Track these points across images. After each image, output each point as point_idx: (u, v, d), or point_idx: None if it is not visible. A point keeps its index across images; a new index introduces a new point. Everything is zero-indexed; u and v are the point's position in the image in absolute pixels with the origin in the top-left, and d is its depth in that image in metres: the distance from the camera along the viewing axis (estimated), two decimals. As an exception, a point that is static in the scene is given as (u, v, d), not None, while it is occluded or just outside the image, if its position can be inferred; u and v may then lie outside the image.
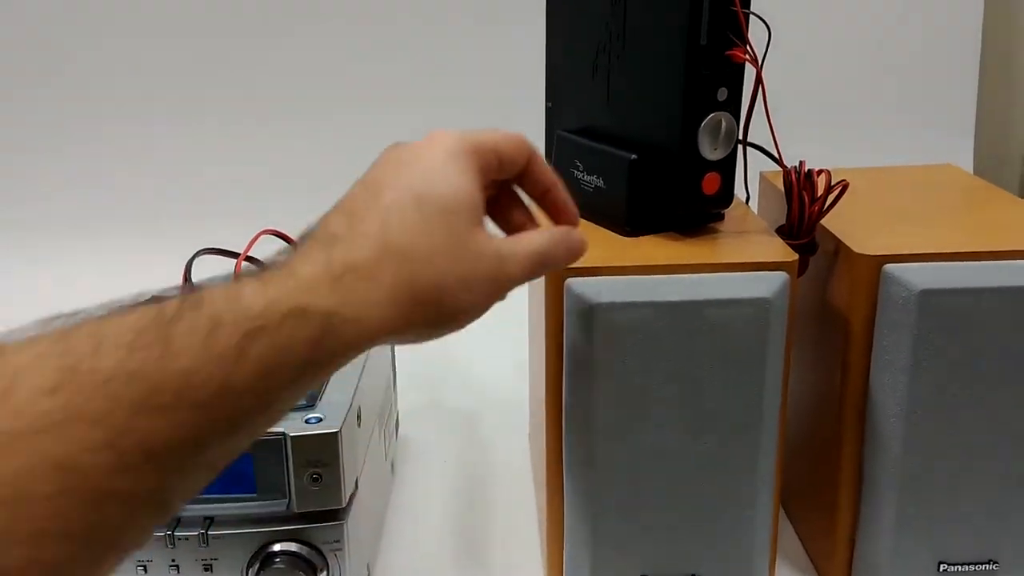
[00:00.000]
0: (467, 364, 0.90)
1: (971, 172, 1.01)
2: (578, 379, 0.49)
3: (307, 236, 0.35)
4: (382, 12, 1.15)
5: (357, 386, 0.54)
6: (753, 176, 0.58)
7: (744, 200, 0.62)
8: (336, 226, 0.35)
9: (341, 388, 0.53)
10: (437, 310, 0.35)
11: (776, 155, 0.54)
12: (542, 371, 0.52)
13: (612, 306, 0.47)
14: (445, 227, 0.35)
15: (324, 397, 0.52)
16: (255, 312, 0.30)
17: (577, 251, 0.41)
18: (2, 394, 0.25)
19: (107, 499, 0.27)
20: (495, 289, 0.37)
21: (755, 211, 0.68)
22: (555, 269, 0.42)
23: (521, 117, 0.83)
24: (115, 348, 0.27)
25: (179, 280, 0.66)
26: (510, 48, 1.00)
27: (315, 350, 0.31)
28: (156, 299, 0.30)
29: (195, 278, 0.67)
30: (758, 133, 0.54)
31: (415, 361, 0.89)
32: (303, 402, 0.51)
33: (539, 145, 0.67)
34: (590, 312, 0.48)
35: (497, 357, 0.87)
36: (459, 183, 0.37)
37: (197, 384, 0.28)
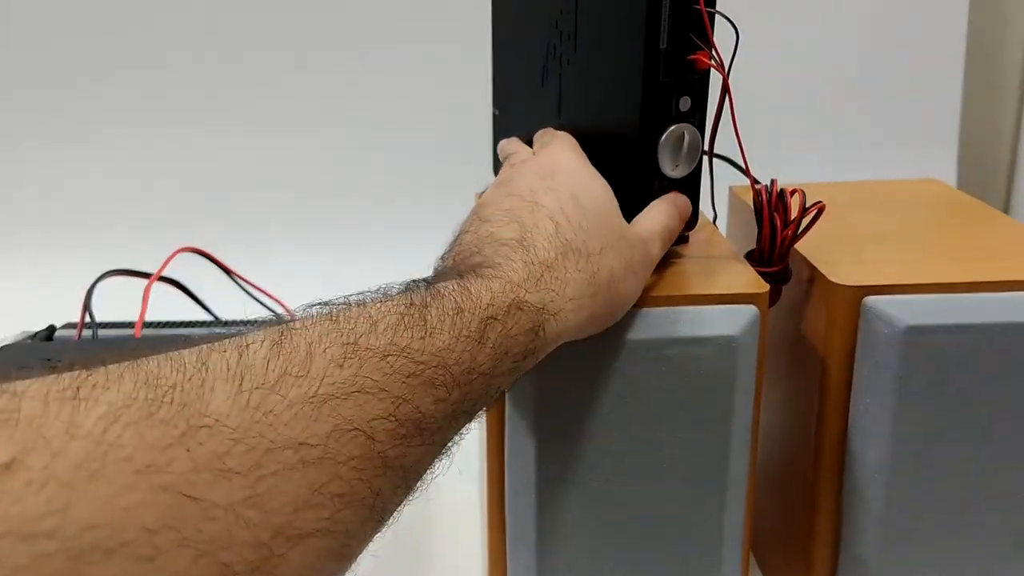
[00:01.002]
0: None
1: (955, 184, 0.97)
2: (520, 423, 0.43)
3: (484, 244, 0.36)
4: (309, 20, 1.06)
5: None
6: (721, 190, 0.53)
7: (712, 219, 0.57)
8: (511, 233, 0.37)
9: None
10: (612, 300, 0.38)
11: (746, 170, 0.49)
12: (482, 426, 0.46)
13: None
14: (604, 221, 0.39)
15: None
16: (485, 303, 0.32)
17: (686, 213, 0.46)
18: (302, 363, 0.27)
19: (388, 468, 0.28)
20: (647, 272, 0.42)
21: (724, 230, 0.63)
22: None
23: (470, 125, 0.78)
24: (386, 328, 0.29)
25: (79, 305, 0.60)
26: (460, 52, 0.93)
27: (532, 342, 0.34)
28: (397, 289, 0.32)
29: (96, 302, 0.61)
30: (726, 145, 0.48)
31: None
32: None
33: (487, 155, 0.62)
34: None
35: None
36: (599, 181, 0.42)
37: (452, 362, 0.30)
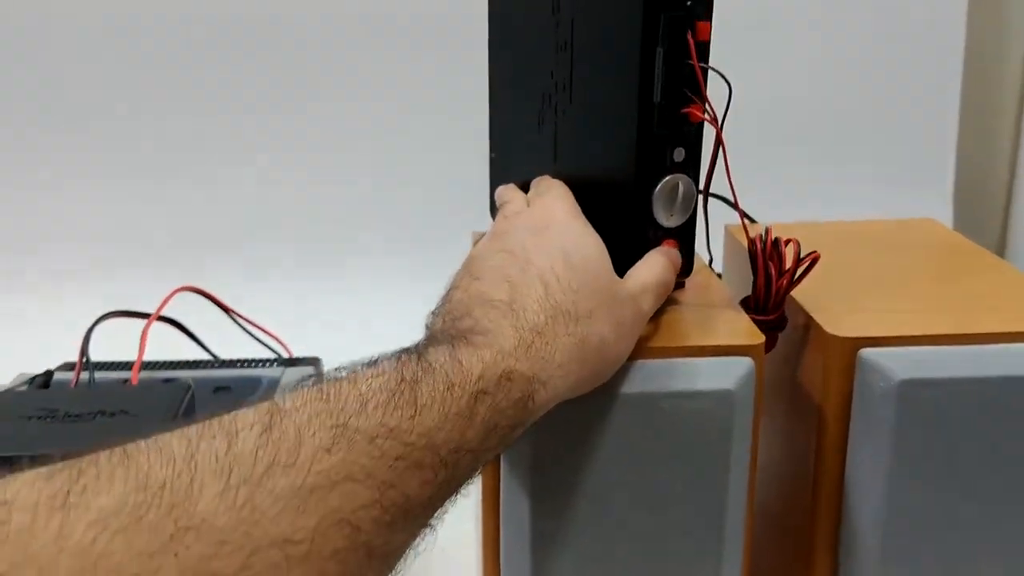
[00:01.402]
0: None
1: (950, 220, 0.97)
2: (515, 479, 0.43)
3: (474, 305, 0.36)
4: (304, 54, 1.06)
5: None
6: (716, 227, 0.53)
7: (707, 261, 0.57)
8: (501, 293, 0.36)
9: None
10: (601, 363, 0.38)
11: (741, 218, 0.49)
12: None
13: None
14: (594, 281, 0.39)
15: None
16: (476, 376, 0.32)
17: (678, 264, 0.46)
18: (291, 451, 0.27)
19: (373, 556, 0.28)
20: (638, 329, 0.41)
21: (720, 267, 0.63)
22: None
23: (470, 162, 0.77)
24: (376, 406, 0.29)
25: (77, 347, 0.60)
26: (461, 87, 0.92)
27: (521, 413, 0.34)
28: (389, 361, 0.32)
29: (97, 341, 0.61)
30: (719, 186, 0.48)
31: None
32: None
33: (483, 197, 0.62)
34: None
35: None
36: (592, 238, 0.41)
37: (440, 442, 0.30)
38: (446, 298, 0.39)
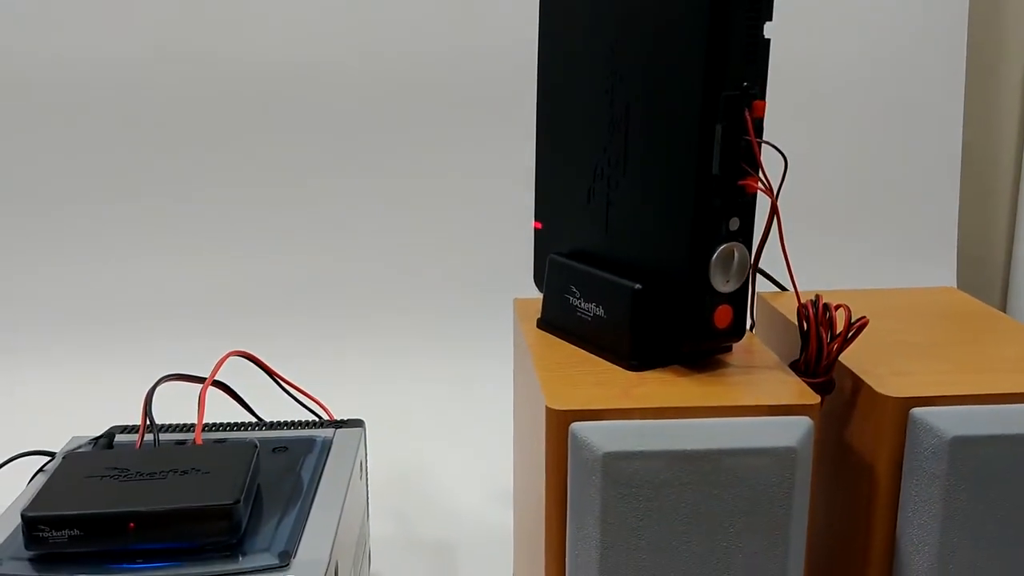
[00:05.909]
0: (445, 491, 0.84)
1: (955, 277, 1.01)
2: (584, 536, 0.44)
3: None
4: (362, 123, 1.11)
5: (334, 539, 0.48)
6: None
7: (748, 327, 0.59)
8: None
9: (318, 542, 0.47)
10: None
11: (793, 287, 0.52)
12: (540, 522, 0.47)
13: (622, 455, 0.43)
14: None
15: (299, 554, 0.46)
16: None
17: None
18: None
19: None
20: None
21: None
22: None
23: (509, 238, 0.80)
24: None
25: (140, 408, 0.61)
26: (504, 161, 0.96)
27: None
28: None
29: (156, 405, 0.62)
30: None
31: (388, 485, 0.84)
32: (275, 561, 0.45)
33: (526, 264, 0.65)
34: (597, 462, 0.43)
35: (477, 483, 0.83)
36: None
37: None
38: None
